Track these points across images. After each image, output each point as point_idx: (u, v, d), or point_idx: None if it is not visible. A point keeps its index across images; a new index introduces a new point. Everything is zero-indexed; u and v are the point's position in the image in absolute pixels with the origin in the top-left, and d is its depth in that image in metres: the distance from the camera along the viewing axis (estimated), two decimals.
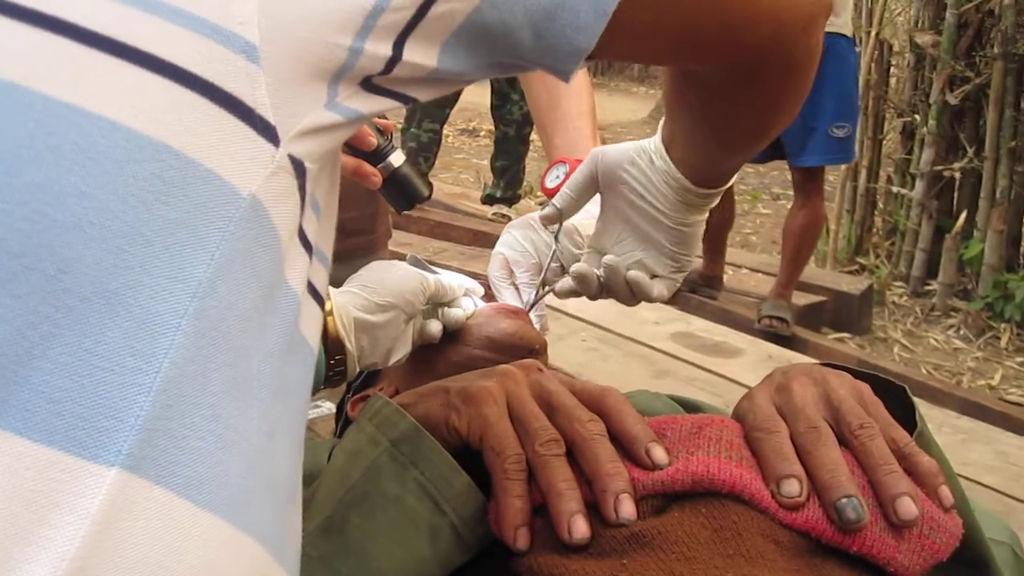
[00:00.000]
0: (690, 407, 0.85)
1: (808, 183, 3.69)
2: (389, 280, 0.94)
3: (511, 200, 4.87)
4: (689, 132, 0.87)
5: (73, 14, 0.43)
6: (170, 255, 0.43)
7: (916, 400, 0.73)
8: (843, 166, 5.18)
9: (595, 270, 1.02)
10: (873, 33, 5.22)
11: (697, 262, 3.98)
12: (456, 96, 4.60)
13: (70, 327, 0.41)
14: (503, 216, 4.48)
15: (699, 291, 3.92)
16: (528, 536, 0.62)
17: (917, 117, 5.22)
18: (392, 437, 0.66)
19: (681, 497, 0.62)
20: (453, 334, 1.02)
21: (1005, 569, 0.73)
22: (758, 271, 4.40)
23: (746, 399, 0.70)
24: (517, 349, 1.00)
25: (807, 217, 3.66)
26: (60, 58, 0.42)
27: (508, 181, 4.86)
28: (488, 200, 4.90)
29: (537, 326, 1.10)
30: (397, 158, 1.07)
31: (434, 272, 1.01)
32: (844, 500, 0.60)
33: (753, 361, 2.32)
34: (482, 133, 8.36)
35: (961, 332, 4.51)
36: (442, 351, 1.01)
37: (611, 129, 7.85)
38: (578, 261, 1.05)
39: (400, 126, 4.67)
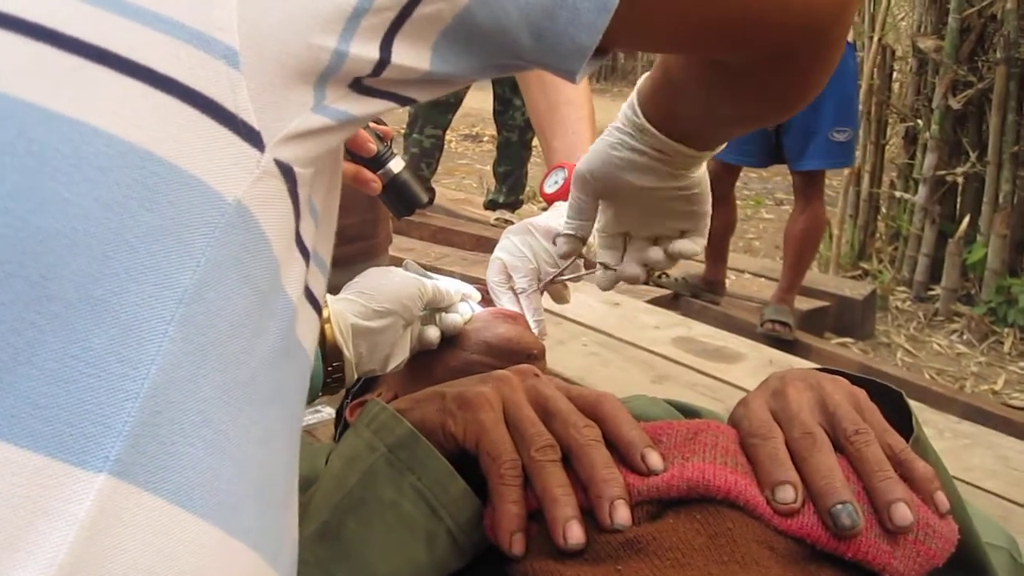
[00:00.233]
0: (688, 412, 0.85)
1: (809, 187, 3.69)
2: (386, 286, 0.94)
3: (514, 205, 4.87)
4: (701, 112, 0.82)
5: (53, 20, 0.43)
6: (155, 261, 0.43)
7: (916, 405, 0.73)
8: (846, 171, 5.18)
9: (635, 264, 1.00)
10: (876, 38, 5.22)
11: (699, 267, 3.99)
12: (459, 101, 4.61)
13: (55, 333, 0.41)
14: (506, 221, 4.48)
15: (701, 296, 3.92)
16: (523, 542, 0.62)
17: (920, 122, 5.22)
18: (389, 442, 0.66)
19: (676, 503, 0.62)
20: (451, 339, 1.02)
21: (1003, 573, 0.73)
22: (760, 276, 4.40)
23: (741, 405, 0.70)
24: (515, 354, 1.00)
25: (808, 221, 3.66)
26: (41, 65, 0.42)
27: (511, 186, 4.86)
28: (491, 205, 4.91)
29: (536, 331, 1.10)
30: (396, 164, 1.07)
31: (431, 278, 1.02)
32: (839, 506, 0.60)
33: (754, 366, 2.31)
34: (485, 138, 8.37)
35: (964, 337, 4.50)
36: (440, 356, 1.01)
37: None
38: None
39: (402, 131, 4.68)
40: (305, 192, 0.49)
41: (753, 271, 4.50)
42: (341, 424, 1.07)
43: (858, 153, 5.14)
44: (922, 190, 5.04)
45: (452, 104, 4.57)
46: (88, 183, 0.42)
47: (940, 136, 4.94)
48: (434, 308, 1.00)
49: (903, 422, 0.69)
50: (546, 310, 1.18)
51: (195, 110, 0.44)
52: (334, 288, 0.95)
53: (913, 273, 5.07)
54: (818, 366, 0.75)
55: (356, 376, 0.93)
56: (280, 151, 0.47)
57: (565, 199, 1.06)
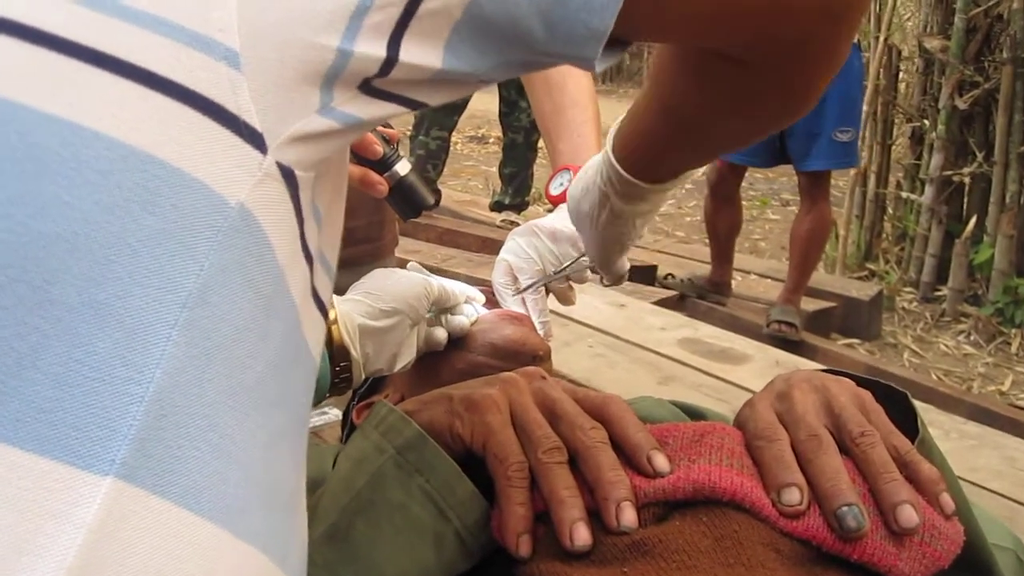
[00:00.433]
0: (694, 413, 0.85)
1: (814, 188, 3.69)
2: (393, 286, 0.95)
3: (520, 207, 4.87)
4: (693, 136, 0.83)
5: (52, 24, 0.43)
6: (158, 265, 0.43)
7: (923, 406, 0.73)
8: (852, 171, 5.18)
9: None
10: (882, 38, 5.21)
11: (706, 268, 3.99)
12: (464, 103, 4.61)
13: (59, 337, 0.41)
14: (512, 223, 4.48)
15: (707, 297, 3.91)
16: (530, 543, 0.62)
17: (926, 122, 5.21)
18: (397, 444, 0.66)
19: (682, 505, 0.62)
20: (457, 341, 1.02)
21: (1009, 575, 0.73)
22: (767, 277, 4.39)
23: (747, 407, 0.70)
24: (521, 356, 1.00)
25: (814, 222, 3.66)
26: (40, 69, 0.42)
27: (517, 188, 4.86)
28: (497, 207, 4.91)
29: (541, 332, 1.10)
30: (403, 167, 1.07)
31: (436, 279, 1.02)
32: (845, 508, 0.60)
33: (761, 367, 2.31)
34: (491, 140, 8.37)
35: (971, 338, 4.49)
36: (446, 358, 1.02)
37: None
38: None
39: (408, 134, 4.68)
40: (307, 196, 0.49)
41: (759, 272, 4.50)
42: (348, 426, 1.08)
43: (864, 153, 5.14)
44: (928, 190, 5.03)
45: (458, 106, 4.57)
46: (89, 187, 0.42)
47: (946, 136, 4.93)
48: (440, 307, 1.01)
49: (909, 423, 0.69)
50: (552, 312, 1.18)
51: (196, 112, 0.44)
52: (340, 290, 0.95)
53: (920, 274, 5.06)
54: (824, 367, 0.75)
55: (363, 376, 0.93)
56: (283, 153, 0.47)
57: None
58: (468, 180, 7.11)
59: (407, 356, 0.96)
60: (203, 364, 0.44)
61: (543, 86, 1.24)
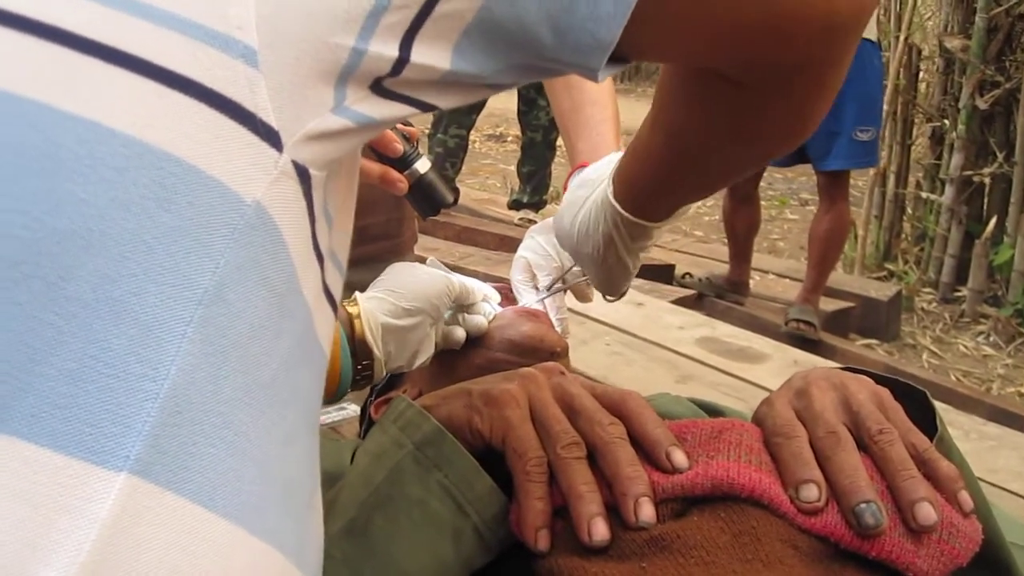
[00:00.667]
0: (711, 411, 0.86)
1: (833, 187, 3.67)
2: (415, 284, 0.95)
3: (538, 205, 4.87)
4: (692, 167, 0.84)
5: (68, 21, 0.43)
6: (174, 262, 0.43)
7: (942, 406, 0.73)
8: (871, 171, 5.15)
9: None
10: (902, 37, 5.18)
11: (724, 268, 3.98)
12: (483, 102, 4.60)
13: (74, 334, 0.41)
14: (530, 221, 4.48)
15: (725, 296, 3.91)
16: (549, 538, 0.62)
17: (946, 122, 5.18)
18: (415, 439, 0.66)
19: (700, 501, 0.62)
20: (476, 337, 1.03)
21: None
22: (785, 277, 4.38)
23: (765, 404, 0.70)
24: (538, 352, 1.01)
25: (833, 221, 3.65)
26: (56, 66, 0.42)
27: (535, 186, 4.86)
28: (515, 205, 4.91)
29: (558, 329, 1.10)
30: (423, 165, 1.08)
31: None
32: (863, 505, 0.60)
33: (779, 366, 2.31)
34: (509, 138, 8.37)
35: (991, 339, 4.47)
36: (464, 354, 1.02)
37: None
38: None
39: (427, 132, 4.69)
40: (319, 195, 0.49)
41: (778, 272, 4.48)
42: (366, 421, 1.08)
43: (884, 153, 5.11)
44: (948, 190, 5.01)
45: (476, 104, 4.57)
46: (105, 184, 0.42)
47: (967, 136, 4.90)
48: (460, 304, 1.01)
49: (927, 422, 0.69)
50: (569, 309, 1.19)
51: (213, 110, 0.44)
52: (360, 287, 0.95)
53: (939, 274, 5.03)
54: (842, 366, 0.75)
55: (384, 373, 0.94)
56: (298, 152, 0.47)
57: None
58: (486, 178, 7.11)
59: (426, 353, 0.97)
60: (218, 361, 0.44)
61: (562, 84, 1.24)
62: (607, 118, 1.20)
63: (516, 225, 4.47)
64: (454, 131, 4.57)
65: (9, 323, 0.41)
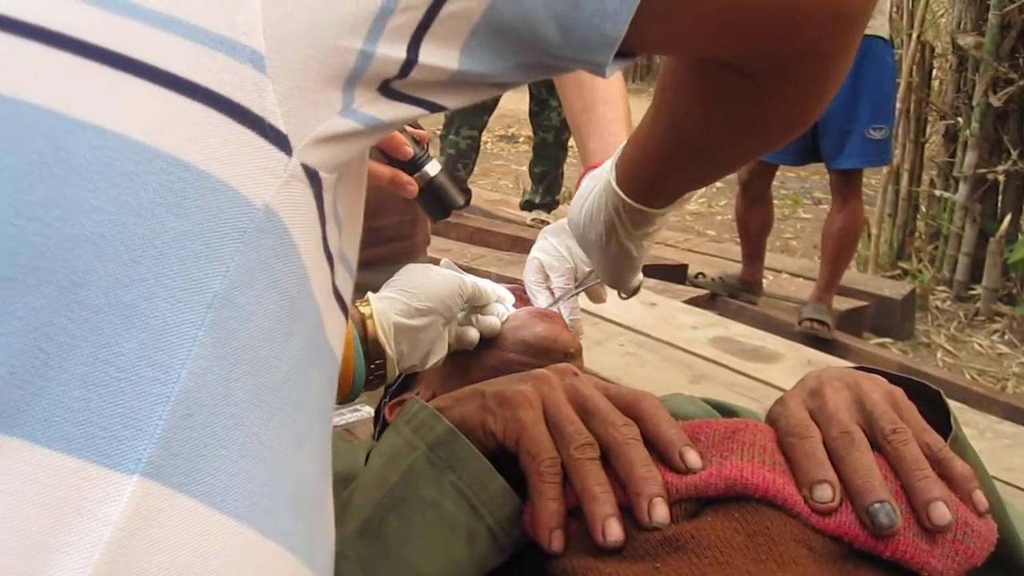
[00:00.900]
0: (725, 411, 0.85)
1: (846, 186, 3.66)
2: (428, 284, 0.95)
3: (550, 206, 4.87)
4: (694, 155, 0.85)
5: (76, 27, 0.43)
6: (184, 267, 0.43)
7: (957, 405, 0.72)
8: (884, 169, 5.13)
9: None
10: (915, 35, 5.17)
11: (737, 267, 3.98)
12: (495, 102, 4.61)
13: (86, 338, 0.42)
14: (542, 222, 4.48)
15: (739, 296, 3.90)
16: (563, 538, 0.62)
17: (960, 120, 5.16)
18: (429, 441, 0.66)
19: (714, 501, 0.62)
20: (489, 338, 1.03)
21: None
22: (799, 276, 4.37)
23: (779, 404, 0.70)
24: (552, 353, 1.01)
25: (846, 220, 3.64)
26: (66, 73, 0.43)
27: (547, 187, 4.86)
28: (527, 206, 4.91)
29: (572, 330, 1.10)
30: (433, 167, 1.08)
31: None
32: (877, 505, 0.60)
33: (792, 366, 2.30)
34: (521, 139, 8.37)
35: (1006, 337, 4.45)
36: (478, 355, 1.02)
37: None
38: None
39: (439, 133, 4.69)
40: (330, 197, 0.50)
41: (791, 271, 4.47)
42: (380, 422, 1.08)
43: (897, 151, 5.09)
44: (962, 188, 4.99)
45: (488, 105, 4.57)
46: (115, 190, 0.42)
47: (981, 134, 4.88)
48: (473, 305, 1.01)
49: (942, 421, 0.69)
50: (582, 310, 1.19)
51: (221, 115, 0.44)
52: (374, 288, 0.96)
53: (953, 272, 5.01)
54: (856, 366, 0.75)
55: (397, 373, 0.94)
56: (307, 155, 0.47)
57: None
58: (498, 179, 7.11)
59: (439, 353, 0.97)
60: (229, 364, 0.45)
61: (574, 85, 1.24)
62: (619, 117, 1.20)
63: (528, 226, 4.48)
64: (466, 132, 4.58)
65: (23, 328, 0.41)
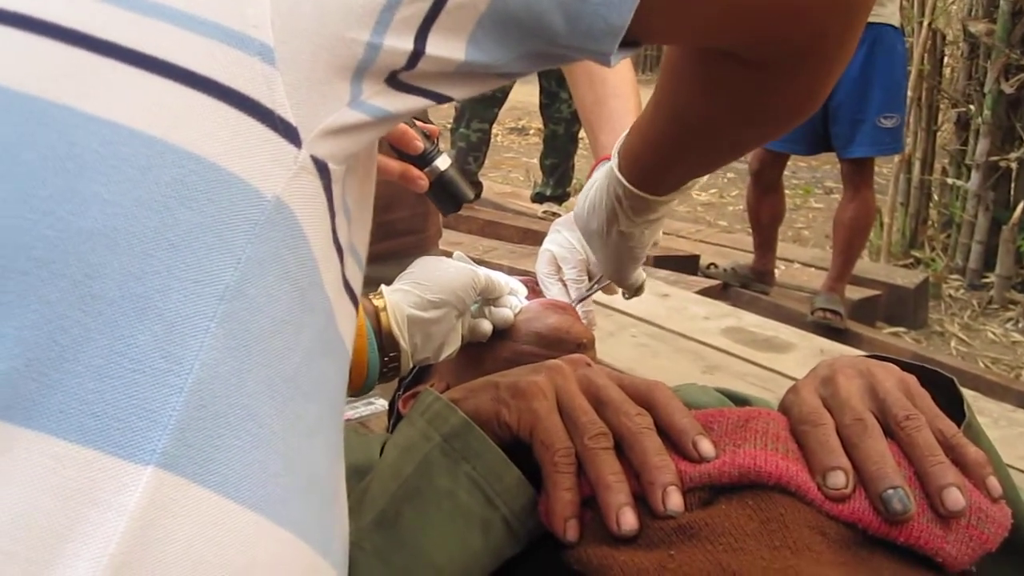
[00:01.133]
0: (738, 400, 0.85)
1: (857, 175, 3.65)
2: (441, 277, 0.96)
3: (561, 198, 4.87)
4: (691, 138, 0.84)
5: (89, 25, 0.44)
6: (196, 259, 0.44)
7: (971, 393, 0.72)
8: (896, 158, 5.12)
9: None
10: (926, 23, 5.14)
11: (749, 257, 3.97)
12: (505, 95, 4.61)
13: (100, 331, 0.42)
14: (553, 214, 4.48)
15: (751, 286, 3.90)
16: (577, 528, 0.63)
17: (972, 107, 5.14)
18: (443, 432, 0.67)
19: (728, 489, 0.62)
20: (502, 330, 1.03)
21: None
22: (811, 266, 4.36)
23: (792, 392, 0.70)
24: (565, 344, 1.01)
25: (857, 209, 3.63)
26: (78, 69, 0.43)
27: (558, 179, 4.86)
28: (538, 198, 4.91)
29: (584, 322, 1.11)
30: (443, 162, 1.08)
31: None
32: (890, 491, 0.60)
33: (805, 356, 2.30)
34: (531, 131, 8.36)
35: (1020, 325, 4.44)
36: (491, 347, 1.02)
37: None
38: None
39: (449, 126, 4.69)
40: (339, 189, 0.50)
41: (803, 261, 4.47)
42: (394, 415, 1.09)
43: (909, 140, 5.08)
44: (975, 176, 4.97)
45: (498, 98, 4.58)
46: (128, 183, 0.43)
47: (993, 121, 4.86)
48: (487, 298, 1.02)
49: (955, 409, 0.69)
50: (595, 301, 1.19)
51: (232, 108, 0.45)
52: (387, 282, 0.96)
53: (966, 261, 4.99)
54: (869, 354, 0.75)
55: (411, 365, 0.94)
56: (317, 147, 0.48)
57: None
58: (509, 172, 7.11)
59: (453, 345, 0.97)
60: (241, 355, 0.45)
61: (585, 77, 1.24)
62: (630, 110, 1.20)
63: (540, 218, 4.48)
64: (476, 125, 4.58)
65: (38, 321, 0.42)
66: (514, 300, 1.06)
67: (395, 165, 1.06)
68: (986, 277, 4.86)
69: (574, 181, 5.01)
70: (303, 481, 0.49)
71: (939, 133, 5.52)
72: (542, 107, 4.79)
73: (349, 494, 0.59)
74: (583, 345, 1.03)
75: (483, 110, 4.55)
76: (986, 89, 4.90)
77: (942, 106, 5.49)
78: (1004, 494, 0.64)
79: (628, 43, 0.54)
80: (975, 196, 4.99)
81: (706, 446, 0.64)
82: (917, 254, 5.30)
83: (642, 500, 0.62)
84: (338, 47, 0.47)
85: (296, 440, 0.48)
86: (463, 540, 0.64)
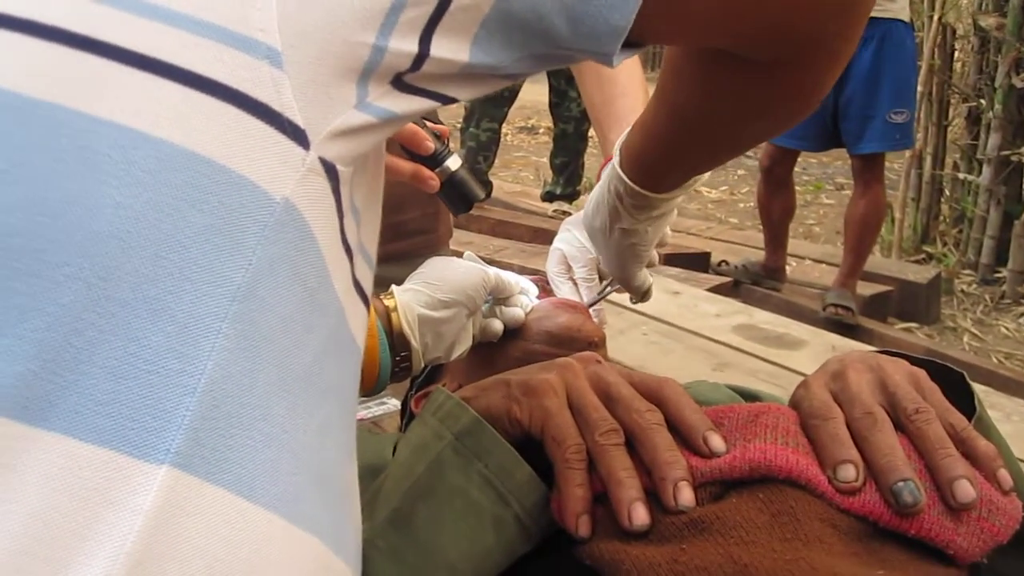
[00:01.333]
0: (748, 396, 0.85)
1: (868, 171, 3.64)
2: (451, 276, 0.96)
3: (571, 197, 4.87)
4: (695, 135, 0.84)
5: (97, 29, 0.44)
6: (208, 260, 0.44)
7: (984, 389, 0.72)
8: (907, 153, 5.10)
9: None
10: (936, 17, 5.12)
11: (760, 254, 3.96)
12: (514, 95, 4.61)
13: (114, 332, 0.43)
14: (563, 213, 4.48)
15: (762, 283, 3.89)
16: (590, 524, 0.63)
17: (983, 102, 5.12)
18: (455, 430, 0.67)
19: (739, 484, 0.63)
20: (513, 330, 1.03)
21: None
22: (822, 262, 4.35)
23: (802, 387, 0.70)
24: (576, 343, 1.01)
25: (868, 205, 3.62)
26: (87, 74, 0.44)
27: (568, 178, 4.86)
28: (548, 197, 4.91)
29: (595, 320, 1.11)
30: (454, 162, 1.09)
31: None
32: (900, 484, 0.60)
33: (817, 352, 2.29)
34: (541, 131, 8.37)
35: None
36: (502, 346, 1.03)
37: None
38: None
39: (459, 126, 4.70)
40: (347, 190, 0.50)
41: (814, 257, 4.45)
42: (407, 415, 1.09)
43: (919, 135, 5.06)
44: (986, 171, 4.95)
45: (507, 97, 4.58)
46: (139, 186, 0.43)
47: (1004, 115, 4.84)
48: (497, 297, 1.02)
49: (966, 404, 0.69)
50: (605, 299, 1.19)
51: (240, 111, 0.45)
52: (398, 282, 0.97)
53: (979, 256, 4.98)
54: (880, 350, 0.75)
55: (422, 365, 0.95)
56: (325, 149, 0.48)
57: None
58: (519, 171, 7.11)
59: (464, 345, 0.98)
60: (253, 355, 0.46)
61: (594, 76, 1.25)
62: (638, 108, 1.20)
63: (550, 217, 4.48)
64: (486, 125, 4.58)
65: (53, 323, 0.42)
66: (525, 299, 1.06)
67: (406, 166, 1.06)
68: (998, 272, 4.84)
69: (584, 180, 5.01)
70: (316, 479, 0.49)
71: (950, 128, 5.50)
72: (552, 106, 4.79)
73: (362, 493, 0.59)
74: (594, 344, 1.03)
75: (493, 109, 4.55)
76: (997, 83, 4.88)
77: (953, 101, 5.48)
78: (1015, 487, 0.64)
79: (631, 43, 0.55)
80: (986, 191, 4.97)
81: (716, 441, 0.64)
82: (929, 249, 5.29)
83: (653, 496, 0.62)
84: (344, 50, 0.47)
85: (308, 439, 0.49)
86: (476, 537, 0.64)
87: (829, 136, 3.66)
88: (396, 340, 0.91)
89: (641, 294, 1.13)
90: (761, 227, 4.11)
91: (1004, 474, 0.63)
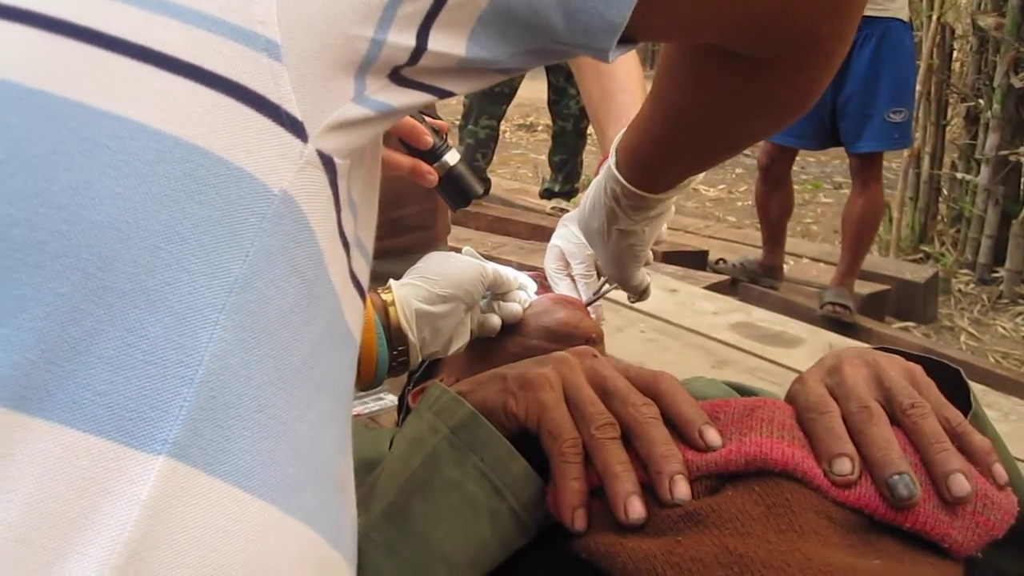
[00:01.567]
0: (745, 392, 0.86)
1: (866, 170, 3.64)
2: (449, 271, 0.96)
3: (569, 194, 4.87)
4: (690, 136, 0.85)
5: (98, 21, 0.44)
6: (206, 252, 0.45)
7: (981, 388, 0.72)
8: (905, 153, 5.10)
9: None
10: (935, 17, 5.12)
11: (758, 252, 3.96)
12: (513, 92, 4.61)
13: (112, 323, 0.43)
14: (562, 210, 4.48)
15: (760, 281, 3.89)
16: (585, 517, 0.63)
17: (981, 101, 5.12)
18: (451, 424, 0.67)
19: (734, 477, 0.63)
20: (511, 325, 1.04)
21: None
22: (819, 261, 4.35)
23: (798, 382, 0.70)
24: (574, 339, 1.01)
25: (866, 204, 3.62)
26: (88, 65, 0.44)
27: (566, 175, 4.86)
28: (546, 194, 4.91)
29: (593, 316, 1.11)
30: (452, 157, 1.09)
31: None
32: (896, 477, 0.60)
33: (814, 350, 2.29)
34: (539, 128, 8.36)
35: None
36: (500, 342, 1.03)
37: None
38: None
39: (457, 123, 4.70)
40: (344, 183, 0.51)
41: (812, 256, 4.45)
42: (404, 410, 1.09)
43: (918, 134, 5.06)
44: (984, 170, 4.95)
45: (506, 94, 4.58)
46: (138, 178, 0.43)
47: (1002, 115, 4.84)
48: (495, 292, 1.02)
49: (962, 400, 0.69)
50: (603, 296, 1.19)
51: (239, 103, 0.45)
52: (395, 278, 0.97)
53: (976, 255, 4.98)
54: (876, 346, 0.75)
55: (419, 359, 0.95)
56: (322, 141, 0.48)
57: None
58: (517, 168, 7.11)
59: (461, 339, 0.98)
60: (251, 347, 0.46)
61: (592, 73, 1.25)
62: (637, 105, 1.20)
63: (548, 214, 4.48)
64: (484, 122, 4.58)
65: (51, 313, 0.42)
66: (523, 295, 1.06)
67: (405, 160, 1.06)
68: (996, 272, 4.84)
69: (582, 177, 5.01)
70: (312, 471, 0.50)
71: (948, 127, 5.50)
72: (550, 103, 4.79)
73: (359, 487, 0.60)
74: (592, 340, 1.03)
75: (491, 107, 4.56)
76: (995, 83, 4.88)
77: (951, 100, 5.48)
78: (1010, 482, 0.64)
79: (626, 39, 0.55)
80: (985, 190, 4.97)
81: (712, 435, 0.64)
82: (926, 249, 5.29)
83: (649, 489, 0.62)
84: (343, 43, 0.48)
85: (305, 430, 0.49)
86: (471, 531, 0.64)
87: (827, 135, 3.66)
88: (394, 334, 0.91)
89: (639, 293, 1.13)
90: (759, 225, 4.11)
91: (999, 469, 0.63)
